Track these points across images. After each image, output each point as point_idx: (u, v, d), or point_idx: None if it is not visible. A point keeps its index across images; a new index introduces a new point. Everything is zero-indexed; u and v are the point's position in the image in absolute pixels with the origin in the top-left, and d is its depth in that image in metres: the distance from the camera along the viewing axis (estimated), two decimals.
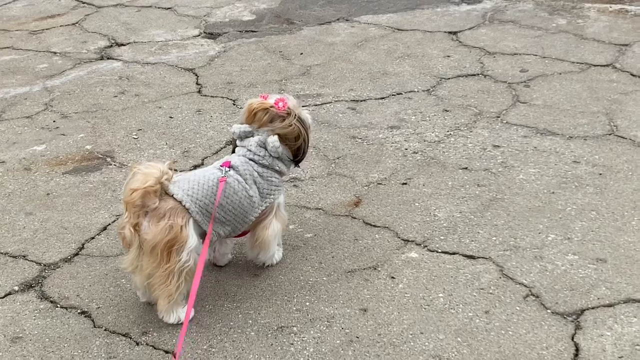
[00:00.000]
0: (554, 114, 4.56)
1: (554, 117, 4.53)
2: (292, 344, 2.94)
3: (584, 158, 4.09)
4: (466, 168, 4.05)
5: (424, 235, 3.53)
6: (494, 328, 2.97)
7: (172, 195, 2.93)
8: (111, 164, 4.24)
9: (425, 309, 3.09)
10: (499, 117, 4.57)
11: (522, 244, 3.44)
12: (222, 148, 4.33)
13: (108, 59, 5.70)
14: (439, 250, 3.43)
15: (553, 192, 3.80)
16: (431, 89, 4.96)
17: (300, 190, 3.92)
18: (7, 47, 5.99)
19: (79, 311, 3.15)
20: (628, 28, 5.80)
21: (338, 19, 6.29)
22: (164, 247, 2.88)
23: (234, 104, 4.87)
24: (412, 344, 2.91)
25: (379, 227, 3.61)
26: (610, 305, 3.06)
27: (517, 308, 3.07)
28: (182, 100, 4.99)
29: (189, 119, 4.72)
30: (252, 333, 3.00)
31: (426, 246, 3.46)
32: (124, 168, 4.18)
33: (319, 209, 3.76)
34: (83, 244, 3.58)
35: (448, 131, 4.43)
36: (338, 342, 2.94)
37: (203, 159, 4.24)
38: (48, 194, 3.99)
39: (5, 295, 3.26)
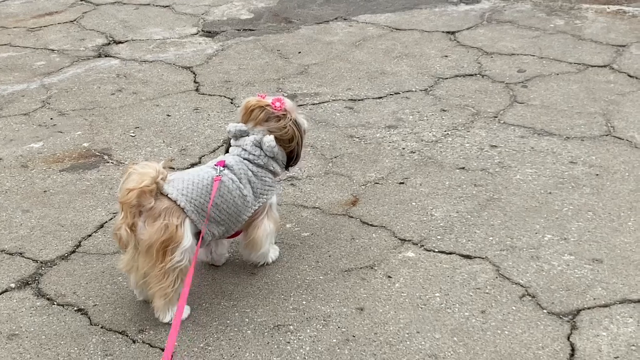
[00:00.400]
0: (551, 115, 4.57)
1: (551, 118, 4.53)
2: (289, 342, 2.94)
3: (581, 159, 4.09)
4: (463, 168, 4.05)
5: (420, 235, 3.53)
6: (490, 328, 2.98)
7: (167, 195, 2.93)
8: (108, 162, 4.24)
9: (421, 308, 3.09)
10: (496, 117, 4.57)
11: (519, 244, 3.44)
12: (219, 146, 4.33)
13: (106, 56, 5.70)
14: (436, 250, 3.43)
15: (550, 193, 3.81)
16: (429, 89, 4.96)
17: (298, 189, 3.92)
18: (5, 44, 5.99)
19: (75, 309, 3.15)
20: (626, 29, 5.81)
21: (336, 18, 6.30)
22: (159, 247, 2.88)
23: (232, 103, 4.87)
24: (408, 343, 2.92)
25: (375, 226, 3.61)
26: (606, 306, 3.07)
27: (514, 308, 3.07)
28: (180, 98, 4.99)
29: (187, 117, 4.72)
30: (249, 331, 3.00)
31: (423, 246, 3.46)
32: (121, 166, 4.18)
33: (316, 207, 3.76)
34: (80, 242, 3.58)
35: (445, 131, 4.43)
36: (334, 341, 2.94)
37: (200, 157, 4.24)
38: (45, 191, 3.99)
39: (2, 293, 3.26)
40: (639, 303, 3.07)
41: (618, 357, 2.82)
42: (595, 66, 5.20)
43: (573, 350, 2.86)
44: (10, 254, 3.51)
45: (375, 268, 3.33)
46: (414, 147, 4.26)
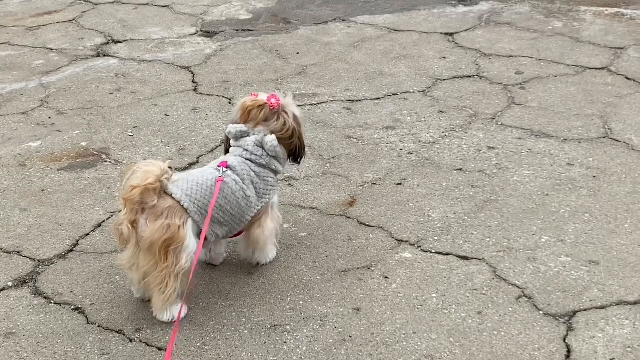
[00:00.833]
0: (549, 117, 4.58)
1: (548, 120, 4.54)
2: (286, 342, 2.95)
3: (578, 160, 4.10)
4: (461, 169, 4.06)
5: (417, 236, 3.54)
6: (486, 329, 2.98)
7: (171, 195, 2.94)
8: (106, 161, 4.25)
9: (418, 309, 3.10)
10: (494, 118, 4.58)
11: (516, 246, 3.45)
12: (217, 146, 4.34)
13: (104, 56, 5.70)
14: (433, 251, 3.44)
15: (547, 194, 3.82)
16: (427, 90, 4.97)
17: (295, 189, 3.92)
18: (4, 43, 5.99)
19: (72, 307, 3.16)
20: (623, 31, 5.82)
21: (335, 19, 6.30)
22: (161, 245, 2.88)
23: (230, 103, 4.87)
24: (404, 343, 2.92)
25: (373, 227, 3.61)
26: (602, 308, 3.07)
27: (510, 309, 3.08)
28: (178, 98, 4.99)
29: (185, 117, 4.73)
30: (246, 331, 3.00)
31: (420, 246, 3.47)
32: (119, 165, 4.19)
33: (314, 208, 3.77)
34: (77, 241, 3.58)
35: (443, 132, 4.44)
36: (331, 341, 2.95)
37: (198, 157, 4.25)
38: (43, 190, 3.99)
39: None
40: (635, 305, 3.08)
41: (614, 358, 2.83)
42: (593, 68, 5.20)
43: (569, 351, 2.87)
44: (7, 252, 3.51)
45: (372, 269, 3.33)
46: (411, 148, 4.27)
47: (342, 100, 4.88)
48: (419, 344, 2.92)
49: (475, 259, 3.38)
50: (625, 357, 2.83)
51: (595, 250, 3.40)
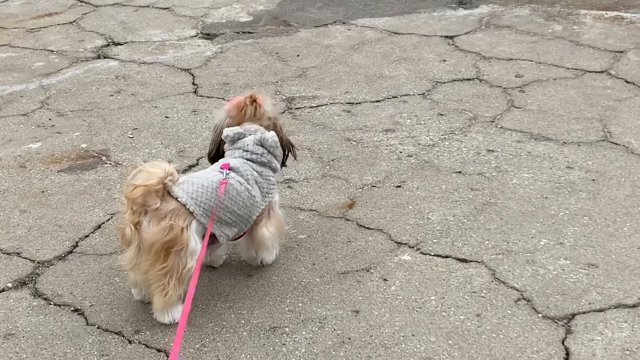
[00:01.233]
0: (549, 120, 4.58)
1: (548, 123, 4.55)
2: (284, 344, 2.95)
3: (578, 164, 4.11)
4: (460, 172, 4.06)
5: (417, 238, 3.54)
6: (485, 331, 2.98)
7: (176, 198, 2.94)
8: (106, 163, 4.25)
9: (417, 311, 3.10)
10: (493, 121, 4.59)
11: (515, 248, 3.45)
12: None
13: (105, 58, 5.71)
14: (432, 253, 3.44)
15: (546, 197, 3.82)
16: (426, 93, 4.98)
17: (295, 191, 3.93)
18: (4, 45, 5.99)
19: (72, 309, 3.16)
20: (623, 35, 5.83)
21: (335, 22, 6.31)
22: (161, 247, 2.87)
23: None
24: (403, 346, 2.93)
25: (372, 229, 3.62)
26: (601, 310, 3.08)
27: (509, 312, 3.08)
28: (178, 100, 5.00)
29: (185, 119, 4.73)
30: (245, 333, 3.01)
31: (419, 249, 3.47)
32: (119, 167, 4.19)
33: (313, 210, 3.77)
34: (77, 242, 3.58)
35: (443, 135, 4.44)
36: (330, 343, 2.95)
37: (198, 159, 4.25)
38: (43, 191, 3.99)
39: None
40: (634, 308, 3.08)
41: None
42: (592, 72, 5.21)
43: (567, 354, 2.87)
44: (7, 253, 3.51)
45: (371, 271, 3.34)
46: (411, 151, 4.28)
47: (342, 103, 4.88)
48: (418, 346, 2.92)
49: (474, 261, 3.38)
50: None
51: (594, 253, 3.41)
